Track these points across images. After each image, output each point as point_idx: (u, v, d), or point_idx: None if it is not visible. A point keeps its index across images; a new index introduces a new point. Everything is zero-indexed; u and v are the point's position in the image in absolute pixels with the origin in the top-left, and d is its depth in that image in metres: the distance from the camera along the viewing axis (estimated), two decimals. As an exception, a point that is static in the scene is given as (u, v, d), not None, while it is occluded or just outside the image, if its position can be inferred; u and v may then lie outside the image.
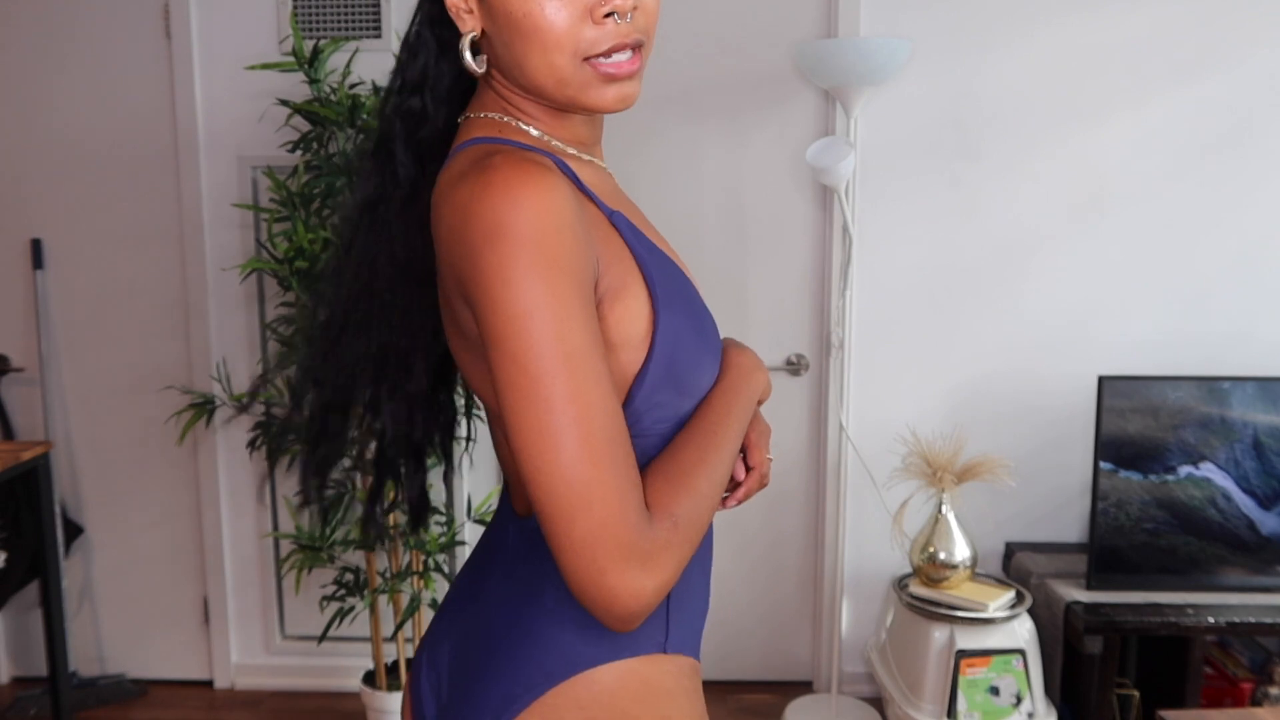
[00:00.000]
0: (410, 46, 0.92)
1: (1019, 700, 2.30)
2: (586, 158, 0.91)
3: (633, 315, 0.83)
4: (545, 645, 0.85)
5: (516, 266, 0.74)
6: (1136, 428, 2.39)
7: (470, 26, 0.86)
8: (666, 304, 0.85)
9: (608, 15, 0.81)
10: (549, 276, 0.74)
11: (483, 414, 2.25)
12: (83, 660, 2.97)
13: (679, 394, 0.87)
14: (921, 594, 2.42)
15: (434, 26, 0.91)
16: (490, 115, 0.89)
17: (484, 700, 0.86)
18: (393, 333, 0.93)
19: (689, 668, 0.91)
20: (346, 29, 2.69)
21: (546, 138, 0.89)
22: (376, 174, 0.93)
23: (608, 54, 0.83)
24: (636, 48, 0.85)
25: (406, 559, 2.48)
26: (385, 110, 0.93)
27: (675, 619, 0.89)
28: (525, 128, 0.89)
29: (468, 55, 0.88)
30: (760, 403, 0.98)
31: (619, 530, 0.74)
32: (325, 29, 2.69)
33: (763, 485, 0.99)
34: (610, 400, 0.76)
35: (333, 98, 2.32)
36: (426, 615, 2.65)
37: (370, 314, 0.93)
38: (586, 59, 0.83)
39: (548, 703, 0.84)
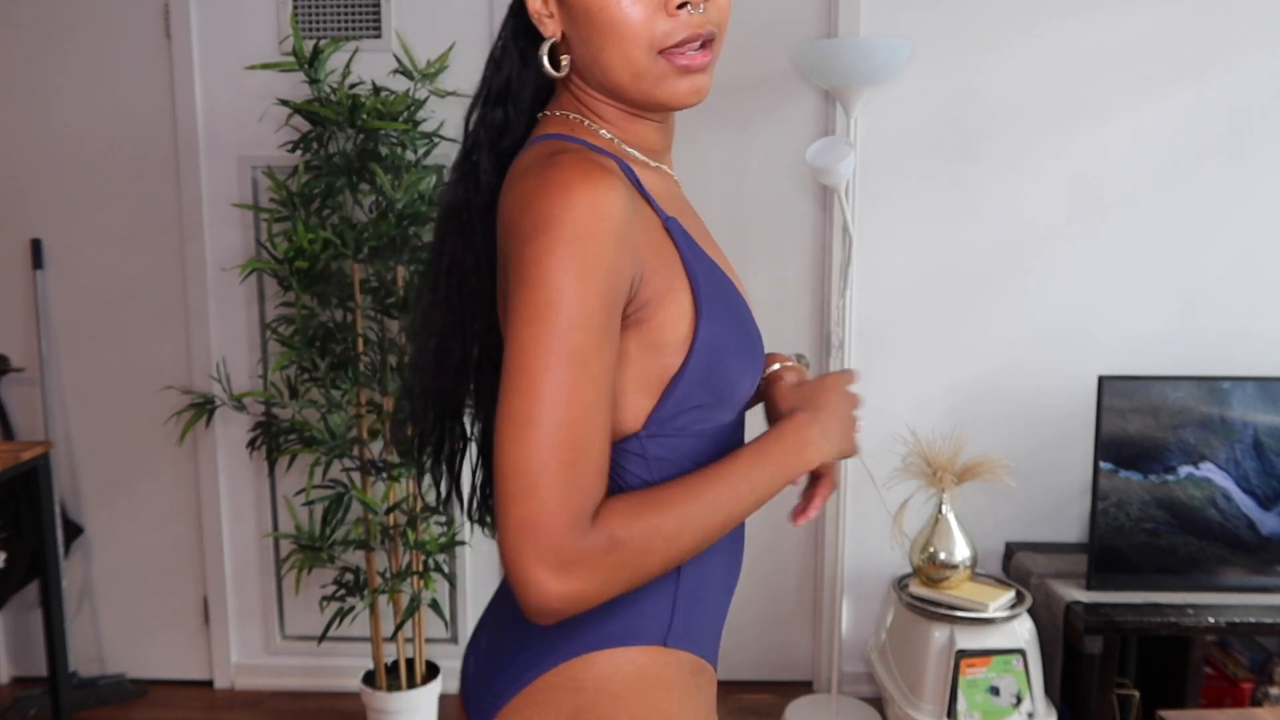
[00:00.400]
0: (496, 60, 0.97)
1: (1019, 700, 2.30)
2: (654, 164, 0.95)
3: (675, 319, 0.86)
4: (548, 630, 0.87)
5: (552, 259, 0.76)
6: (1136, 428, 2.39)
7: (551, 31, 0.90)
8: (709, 312, 0.87)
9: (681, 6, 0.85)
10: (580, 276, 0.76)
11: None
12: (83, 660, 2.97)
13: (716, 400, 0.89)
14: (921, 594, 2.42)
15: (518, 39, 0.96)
16: (565, 114, 0.93)
17: (496, 678, 0.91)
18: (482, 334, 0.99)
19: (691, 664, 0.91)
20: (346, 29, 2.69)
21: (616, 140, 0.93)
22: (461, 183, 0.97)
23: (681, 46, 0.86)
24: (709, 41, 0.88)
25: (406, 559, 2.48)
26: (470, 120, 0.97)
27: (681, 614, 0.90)
28: (597, 129, 0.92)
29: (546, 61, 0.91)
30: (830, 461, 1.00)
31: (547, 527, 0.75)
32: (325, 29, 2.69)
33: (833, 489, 1.03)
34: (597, 408, 0.78)
35: (333, 98, 2.32)
36: (427, 615, 2.65)
37: (462, 318, 0.98)
38: (661, 52, 0.86)
39: (547, 682, 0.87)
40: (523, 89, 0.96)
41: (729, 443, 0.93)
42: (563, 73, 0.92)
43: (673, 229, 0.89)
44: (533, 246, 0.77)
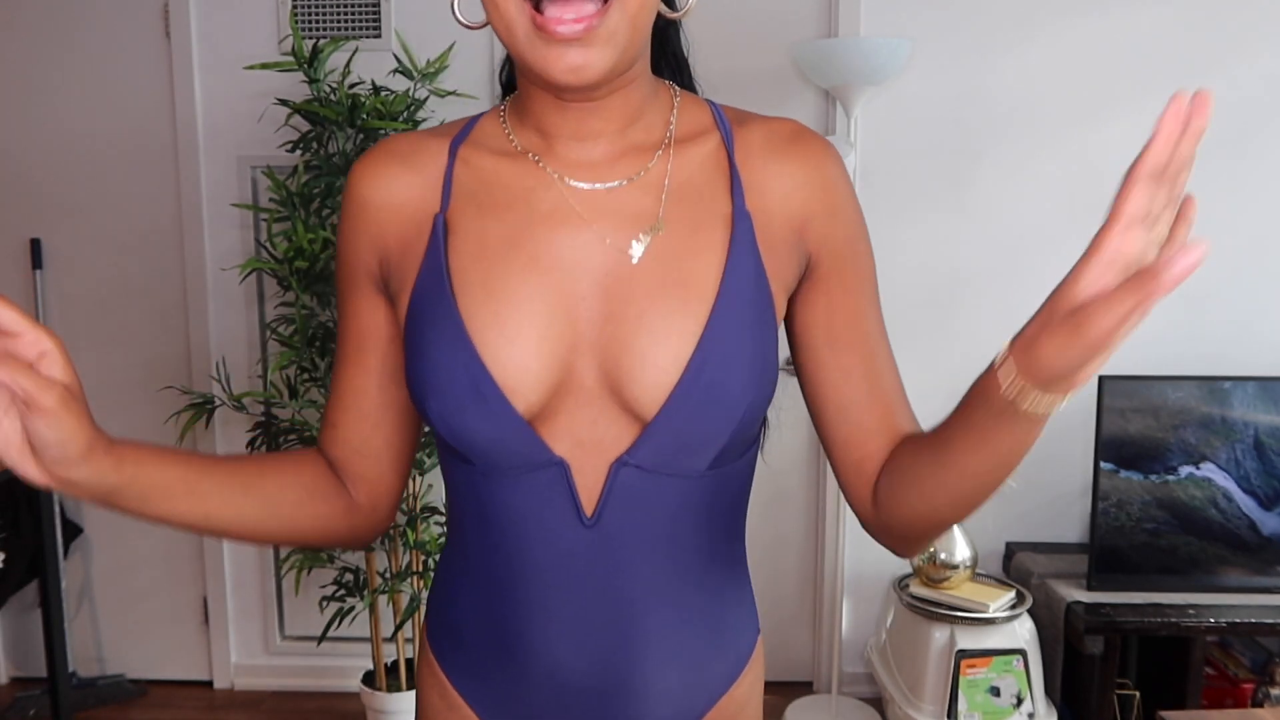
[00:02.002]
0: None
1: (1019, 701, 2.30)
2: (531, 154, 0.80)
3: (401, 318, 0.81)
4: None
5: None
6: (1137, 428, 2.38)
7: None
8: (412, 326, 0.79)
9: None
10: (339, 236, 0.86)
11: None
12: (82, 660, 2.97)
13: (439, 432, 0.79)
14: (922, 594, 2.42)
15: None
16: (506, 101, 0.86)
17: None
18: None
19: (432, 669, 0.92)
20: (346, 29, 2.69)
21: (504, 123, 0.83)
22: None
23: (545, 4, 0.71)
24: (605, 4, 0.71)
25: (406, 559, 2.47)
26: None
27: (434, 618, 0.92)
28: (502, 113, 0.84)
29: (455, 7, 0.83)
30: None
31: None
32: (325, 29, 2.69)
33: None
34: (345, 348, 0.86)
35: (332, 98, 2.32)
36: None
37: None
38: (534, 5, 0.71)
39: None
40: None
41: (483, 503, 0.79)
42: (468, 22, 0.82)
43: (437, 225, 0.79)
44: None
